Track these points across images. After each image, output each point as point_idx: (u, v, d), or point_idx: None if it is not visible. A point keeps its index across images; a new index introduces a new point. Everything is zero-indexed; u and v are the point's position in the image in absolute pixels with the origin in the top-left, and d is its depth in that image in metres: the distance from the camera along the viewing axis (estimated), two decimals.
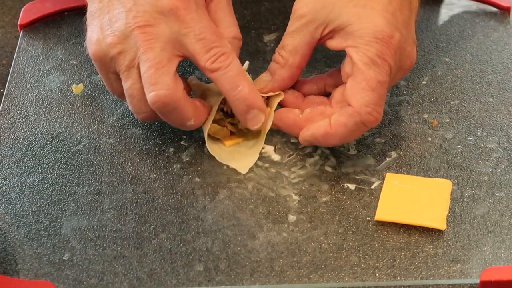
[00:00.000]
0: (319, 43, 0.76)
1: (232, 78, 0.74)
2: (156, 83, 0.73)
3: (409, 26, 0.76)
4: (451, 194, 0.75)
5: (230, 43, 0.77)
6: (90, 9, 0.78)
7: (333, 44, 0.76)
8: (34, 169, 0.78)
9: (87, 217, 0.74)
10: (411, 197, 0.74)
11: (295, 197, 0.75)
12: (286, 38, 0.76)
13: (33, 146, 0.80)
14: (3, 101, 0.85)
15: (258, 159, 0.79)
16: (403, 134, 0.81)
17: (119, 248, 0.72)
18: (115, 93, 0.79)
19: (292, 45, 0.76)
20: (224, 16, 0.78)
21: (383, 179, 0.76)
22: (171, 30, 0.74)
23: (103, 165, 0.79)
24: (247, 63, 0.79)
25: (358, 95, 0.72)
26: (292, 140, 0.80)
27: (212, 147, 0.78)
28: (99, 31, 0.76)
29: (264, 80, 0.78)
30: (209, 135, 0.78)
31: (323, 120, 0.75)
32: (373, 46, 0.72)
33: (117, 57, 0.75)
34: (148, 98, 0.74)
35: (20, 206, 0.75)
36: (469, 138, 0.80)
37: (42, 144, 0.81)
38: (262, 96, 0.77)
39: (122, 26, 0.74)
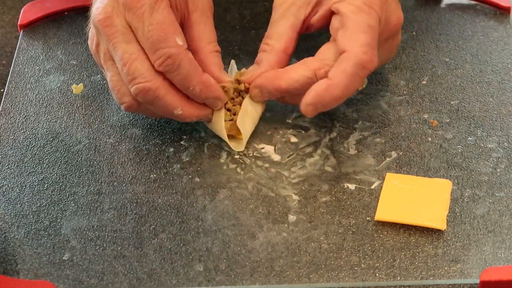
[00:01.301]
0: (304, 25, 0.77)
1: (182, 80, 0.75)
2: (134, 77, 0.74)
3: None
4: (451, 194, 0.75)
5: (211, 58, 0.77)
6: None
7: (318, 17, 0.77)
8: (34, 169, 0.78)
9: (87, 217, 0.74)
10: (411, 197, 0.74)
11: (295, 197, 0.75)
12: (269, 28, 0.77)
13: (33, 146, 0.80)
14: (3, 101, 0.85)
15: (258, 159, 0.79)
16: (403, 134, 0.81)
17: (119, 248, 0.72)
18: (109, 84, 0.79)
19: (276, 32, 0.76)
20: (206, 29, 0.78)
21: (383, 179, 0.76)
22: (127, 20, 0.74)
23: (103, 165, 0.79)
24: (232, 62, 0.80)
25: (351, 39, 0.73)
26: (292, 140, 0.80)
27: (234, 145, 0.79)
28: (90, 25, 0.78)
29: (250, 71, 0.78)
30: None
31: (307, 70, 0.75)
32: None
33: (97, 51, 0.77)
34: (131, 93, 0.74)
35: (20, 206, 0.75)
36: (469, 138, 0.80)
37: (42, 144, 0.81)
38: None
39: (92, 21, 0.76)
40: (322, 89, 0.74)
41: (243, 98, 0.79)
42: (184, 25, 0.77)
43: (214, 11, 0.80)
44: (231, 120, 0.79)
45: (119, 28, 0.74)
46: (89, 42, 0.79)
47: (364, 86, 0.80)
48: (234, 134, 0.79)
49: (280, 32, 0.76)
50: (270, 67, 0.78)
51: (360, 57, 0.73)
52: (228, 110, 0.79)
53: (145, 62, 0.74)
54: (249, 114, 0.79)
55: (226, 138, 0.78)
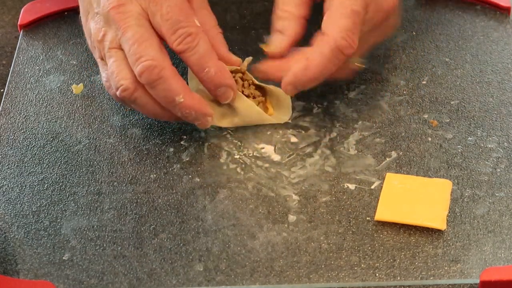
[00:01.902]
0: None
1: (199, 60, 0.75)
2: (141, 56, 0.73)
3: None
4: (451, 194, 0.75)
5: (217, 38, 0.78)
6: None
7: None
8: (34, 169, 0.78)
9: (87, 217, 0.74)
10: (411, 197, 0.74)
11: (295, 197, 0.75)
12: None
13: (33, 146, 0.80)
14: (3, 101, 0.85)
15: (258, 159, 0.79)
16: (403, 134, 0.81)
17: (119, 248, 0.72)
18: (104, 79, 0.78)
19: (327, 23, 0.76)
20: (207, 14, 0.79)
21: (383, 179, 0.76)
22: (142, 7, 0.75)
23: (103, 165, 0.79)
24: (250, 58, 0.80)
25: (333, 23, 0.74)
26: (292, 140, 0.80)
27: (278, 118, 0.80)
28: (88, 19, 0.78)
29: (276, 43, 0.78)
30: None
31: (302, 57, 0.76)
32: None
33: (102, 40, 0.76)
34: (135, 72, 0.74)
35: (20, 206, 0.75)
36: (469, 138, 0.80)
37: (42, 144, 0.81)
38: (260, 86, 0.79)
39: (101, 9, 0.76)
40: (299, 69, 0.75)
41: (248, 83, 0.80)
42: None
43: (214, 11, 0.80)
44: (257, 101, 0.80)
45: (132, 13, 0.74)
46: (92, 34, 0.78)
47: (363, 67, 0.80)
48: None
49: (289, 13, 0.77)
50: (296, 36, 0.78)
51: (339, 42, 0.74)
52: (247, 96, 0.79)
53: (155, 45, 0.74)
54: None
55: (267, 118, 0.79)
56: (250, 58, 0.80)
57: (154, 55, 0.73)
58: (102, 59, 0.78)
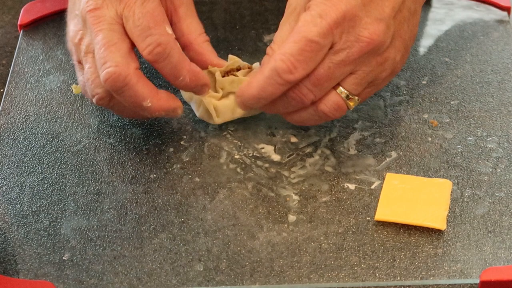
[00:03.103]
0: None
1: (172, 70, 0.74)
2: (106, 61, 0.73)
3: (377, 4, 0.73)
4: (451, 194, 0.75)
5: (205, 46, 0.78)
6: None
7: None
8: (34, 169, 0.78)
9: (87, 217, 0.74)
10: (411, 197, 0.74)
11: (295, 197, 0.75)
12: (276, 32, 0.76)
13: (33, 146, 0.80)
14: (3, 101, 0.85)
15: (258, 159, 0.79)
16: (403, 134, 0.81)
17: (119, 248, 0.72)
18: (81, 84, 0.78)
19: (279, 36, 0.75)
20: (194, 22, 0.79)
21: (383, 179, 0.76)
22: (116, 11, 0.74)
23: (103, 165, 0.79)
24: (256, 64, 0.80)
25: (283, 46, 0.72)
26: (292, 140, 0.80)
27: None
28: (70, 21, 0.78)
29: (254, 72, 0.78)
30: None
31: None
32: (319, 6, 0.72)
33: (79, 44, 0.77)
34: (100, 77, 0.73)
35: (20, 206, 0.75)
36: (469, 138, 0.80)
37: (42, 144, 0.81)
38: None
39: (79, 12, 0.76)
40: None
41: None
42: (172, 21, 0.78)
43: (213, 11, 0.80)
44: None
45: (106, 17, 0.74)
46: (70, 35, 0.78)
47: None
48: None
49: (282, 36, 0.76)
50: None
51: (277, 63, 0.72)
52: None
53: (123, 50, 0.73)
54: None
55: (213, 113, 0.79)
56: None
57: (119, 60, 0.73)
58: (79, 62, 0.78)
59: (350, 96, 0.74)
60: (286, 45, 0.72)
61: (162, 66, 0.74)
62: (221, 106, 0.79)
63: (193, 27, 0.78)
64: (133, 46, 0.75)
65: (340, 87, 0.74)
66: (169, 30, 0.74)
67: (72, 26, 0.78)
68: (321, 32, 0.71)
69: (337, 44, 0.72)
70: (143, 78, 0.74)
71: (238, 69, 0.80)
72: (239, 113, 0.80)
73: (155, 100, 0.74)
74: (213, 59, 0.79)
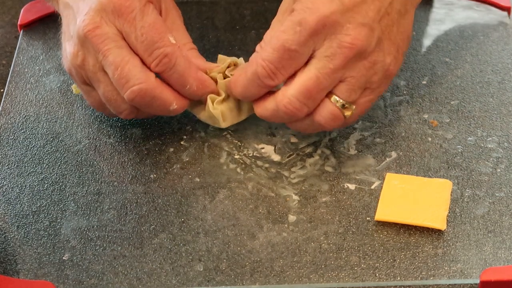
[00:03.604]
0: None
1: (179, 78, 0.75)
2: (127, 81, 0.73)
3: (361, 8, 0.72)
4: (451, 194, 0.75)
5: (191, 53, 0.78)
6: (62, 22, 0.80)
7: None
8: (34, 169, 0.78)
9: (87, 217, 0.74)
10: (411, 197, 0.74)
11: (295, 197, 0.75)
12: (268, 31, 0.76)
13: (33, 146, 0.80)
14: (3, 101, 0.85)
15: (258, 159, 0.79)
16: (403, 134, 0.81)
17: (119, 248, 0.72)
18: (94, 104, 0.79)
19: (269, 35, 0.75)
20: (179, 33, 0.78)
21: (383, 179, 0.76)
22: (117, 28, 0.74)
23: (103, 165, 0.79)
24: (241, 59, 0.80)
25: (264, 48, 0.73)
26: (292, 140, 0.80)
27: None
28: (65, 44, 0.78)
29: (240, 68, 0.78)
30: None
31: None
32: (300, 13, 0.72)
33: (83, 65, 0.76)
34: (125, 98, 0.74)
35: (20, 206, 0.75)
36: (469, 138, 0.80)
37: (42, 144, 0.81)
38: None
39: (76, 32, 0.75)
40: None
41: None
42: None
43: (214, 12, 0.80)
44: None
45: (110, 35, 0.74)
46: (69, 59, 0.77)
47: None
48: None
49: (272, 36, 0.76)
50: None
51: (257, 68, 0.73)
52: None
53: (138, 64, 0.74)
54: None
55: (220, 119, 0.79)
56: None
57: (140, 76, 0.73)
58: (85, 84, 0.77)
59: (346, 105, 0.74)
60: (267, 50, 0.73)
61: (169, 75, 0.75)
62: (226, 110, 0.78)
63: (179, 38, 0.78)
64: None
65: (334, 96, 0.74)
66: (172, 39, 0.74)
67: (69, 48, 0.77)
68: (299, 41, 0.72)
69: (320, 52, 0.72)
70: (164, 85, 0.75)
71: (234, 65, 0.79)
72: (245, 114, 0.79)
73: (179, 101, 0.76)
74: (200, 63, 0.78)
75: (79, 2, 0.76)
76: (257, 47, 0.76)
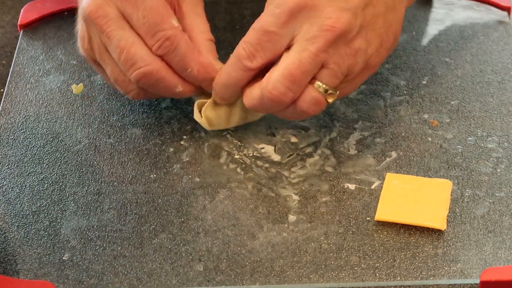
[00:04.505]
0: None
1: (180, 61, 0.75)
2: (133, 63, 0.74)
3: None
4: (451, 194, 0.75)
5: (205, 46, 0.77)
6: None
7: None
8: (34, 169, 0.78)
9: (87, 217, 0.74)
10: (411, 197, 0.74)
11: (295, 197, 0.75)
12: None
13: (33, 146, 0.80)
14: (3, 101, 0.85)
15: (258, 159, 0.79)
16: (403, 134, 0.81)
17: (119, 248, 0.72)
18: (109, 83, 0.79)
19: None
20: (197, 19, 0.78)
21: (383, 179, 0.76)
22: (119, 8, 0.74)
23: (103, 165, 0.79)
24: None
25: (246, 34, 0.74)
26: (292, 140, 0.80)
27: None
28: (78, 25, 0.78)
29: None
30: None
31: None
32: None
33: (90, 47, 0.77)
34: (132, 80, 0.75)
35: (20, 206, 0.75)
36: (469, 138, 0.80)
37: (42, 144, 0.81)
38: None
39: (82, 16, 0.76)
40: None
41: None
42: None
43: (214, 12, 0.80)
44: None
45: (112, 16, 0.74)
46: (79, 43, 0.78)
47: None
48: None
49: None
50: None
51: (239, 51, 0.74)
52: None
53: (143, 46, 0.74)
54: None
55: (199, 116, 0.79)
56: None
57: (145, 58, 0.74)
58: (97, 64, 0.78)
59: (330, 91, 0.74)
60: (248, 33, 0.74)
61: (170, 58, 0.75)
62: (214, 116, 0.78)
63: (195, 24, 0.78)
64: None
65: (317, 82, 0.74)
66: (175, 22, 0.75)
67: (78, 32, 0.78)
68: (277, 23, 0.72)
69: (301, 35, 0.72)
70: (170, 68, 0.75)
71: None
72: (234, 121, 0.79)
73: (185, 84, 0.76)
74: (207, 59, 0.77)
75: None
76: None
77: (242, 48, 0.74)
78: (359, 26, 0.73)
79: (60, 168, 0.78)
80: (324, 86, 0.74)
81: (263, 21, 0.73)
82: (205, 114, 0.78)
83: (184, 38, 0.75)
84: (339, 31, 0.72)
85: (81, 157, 0.79)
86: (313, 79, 0.74)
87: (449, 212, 0.74)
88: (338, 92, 0.75)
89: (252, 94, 0.75)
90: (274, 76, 0.73)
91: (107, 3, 0.74)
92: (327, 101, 0.75)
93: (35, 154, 0.80)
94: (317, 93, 0.74)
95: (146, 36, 0.74)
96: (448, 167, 0.78)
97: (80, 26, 0.77)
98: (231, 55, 0.75)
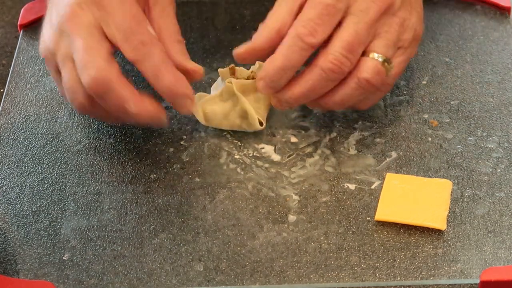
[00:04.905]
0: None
1: (152, 68, 0.74)
2: (88, 66, 0.72)
3: None
4: (451, 194, 0.75)
5: (174, 47, 0.76)
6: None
7: None
8: (34, 169, 0.78)
9: (87, 217, 0.74)
10: (411, 197, 0.74)
11: (295, 197, 0.75)
12: (271, 12, 0.77)
13: (33, 146, 0.80)
14: (3, 101, 0.85)
15: (258, 159, 0.79)
16: (403, 134, 0.81)
17: (119, 248, 0.72)
18: (63, 94, 0.78)
19: (274, 14, 0.76)
20: (167, 22, 0.77)
21: (383, 179, 0.76)
22: (94, 16, 0.74)
23: (103, 165, 0.79)
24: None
25: (301, 14, 0.75)
26: (292, 140, 0.80)
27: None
28: (46, 29, 0.77)
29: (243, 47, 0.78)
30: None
31: None
32: None
33: (56, 51, 0.76)
34: (84, 84, 0.73)
35: (20, 206, 0.75)
36: (469, 138, 0.80)
37: (42, 144, 0.81)
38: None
39: (56, 20, 0.75)
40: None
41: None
42: None
43: (214, 12, 0.80)
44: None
45: (85, 23, 0.74)
46: (46, 44, 0.77)
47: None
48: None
49: (278, 15, 0.76)
50: (259, 41, 0.77)
51: (298, 29, 0.74)
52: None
53: (103, 53, 0.73)
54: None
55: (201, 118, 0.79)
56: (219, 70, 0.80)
57: (101, 64, 0.72)
58: (57, 72, 0.77)
59: (384, 61, 0.76)
60: (304, 12, 0.75)
61: (143, 65, 0.73)
62: (210, 112, 0.79)
63: (164, 27, 0.77)
64: (113, 49, 0.74)
65: (373, 52, 0.76)
66: (150, 30, 0.74)
67: (47, 35, 0.77)
68: None
69: (354, 7, 0.75)
70: (126, 81, 0.73)
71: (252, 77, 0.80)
72: (227, 124, 0.80)
73: (139, 103, 0.73)
74: (180, 60, 0.76)
75: None
76: (261, 26, 0.77)
77: (302, 26, 0.74)
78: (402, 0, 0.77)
79: (60, 168, 0.78)
80: (380, 55, 0.76)
81: None
82: (202, 107, 0.79)
83: (159, 46, 0.74)
84: (388, 1, 0.76)
85: (81, 157, 0.79)
86: (367, 51, 0.76)
87: (449, 212, 0.74)
88: (393, 64, 0.77)
89: (306, 78, 0.76)
90: (334, 48, 0.75)
91: (83, 10, 0.74)
92: (386, 72, 0.76)
93: (35, 154, 0.80)
94: (375, 62, 0.76)
95: (121, 41, 0.73)
96: (448, 167, 0.78)
97: (51, 31, 0.76)
98: (285, 38, 0.74)
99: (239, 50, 0.77)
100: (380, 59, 0.76)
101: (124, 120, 0.76)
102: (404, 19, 0.77)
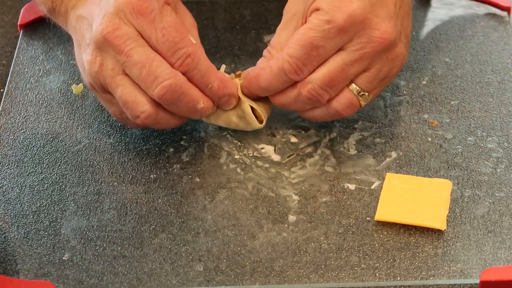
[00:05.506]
0: None
1: (201, 78, 0.74)
2: (156, 77, 0.72)
3: (383, 1, 0.74)
4: (451, 194, 0.75)
5: (193, 33, 0.77)
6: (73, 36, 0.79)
7: None
8: (34, 169, 0.78)
9: (87, 217, 0.74)
10: (411, 197, 0.74)
11: (295, 197, 0.75)
12: (274, 36, 0.77)
13: (33, 146, 0.80)
14: (3, 101, 0.85)
15: (258, 159, 0.79)
16: (403, 134, 0.81)
17: (119, 248, 0.72)
18: (116, 113, 0.77)
19: (278, 42, 0.76)
20: (193, 35, 0.77)
21: (383, 179, 0.76)
22: (136, 28, 0.73)
23: (103, 165, 0.79)
24: (223, 67, 0.79)
25: (289, 45, 0.74)
26: (292, 140, 0.80)
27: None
28: (79, 56, 0.76)
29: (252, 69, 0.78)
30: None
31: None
32: (328, 12, 0.73)
33: (101, 71, 0.74)
34: (154, 95, 0.73)
35: (20, 206, 0.75)
36: (469, 138, 0.80)
37: (42, 144, 0.81)
38: None
39: (92, 39, 0.74)
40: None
41: None
42: None
43: (214, 12, 0.80)
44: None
45: (131, 35, 0.73)
46: (87, 68, 0.75)
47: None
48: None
49: (281, 42, 0.76)
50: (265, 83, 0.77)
51: (284, 65, 0.74)
52: None
53: (164, 62, 0.73)
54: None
55: (252, 118, 0.79)
56: (223, 67, 0.80)
57: (169, 72, 0.73)
58: (106, 92, 0.76)
59: (362, 93, 0.76)
60: (292, 46, 0.74)
61: (192, 75, 0.74)
62: None
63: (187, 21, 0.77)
64: None
65: (353, 84, 0.75)
66: (193, 39, 0.74)
67: (86, 57, 0.75)
68: (328, 39, 0.73)
69: (349, 46, 0.74)
70: (191, 83, 0.75)
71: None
72: (225, 122, 0.79)
73: (206, 100, 0.76)
74: (225, 75, 0.77)
75: (94, 10, 0.75)
76: (265, 53, 0.77)
77: (288, 63, 0.74)
78: (399, 32, 0.75)
79: (60, 168, 0.78)
80: (358, 88, 0.75)
81: (312, 37, 0.73)
82: None
83: (203, 54, 0.75)
84: (387, 41, 0.74)
85: (81, 157, 0.79)
86: (350, 81, 0.75)
87: (449, 212, 0.74)
88: (370, 95, 0.76)
89: (288, 94, 0.76)
90: (315, 78, 0.74)
91: (124, 23, 0.73)
92: (360, 104, 0.76)
93: (35, 154, 0.80)
94: (352, 95, 0.75)
95: (166, 54, 0.73)
96: (448, 167, 0.78)
97: (89, 51, 0.75)
98: (272, 64, 0.75)
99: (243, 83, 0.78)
100: (356, 92, 0.75)
101: (181, 123, 0.77)
102: (398, 54, 0.76)
